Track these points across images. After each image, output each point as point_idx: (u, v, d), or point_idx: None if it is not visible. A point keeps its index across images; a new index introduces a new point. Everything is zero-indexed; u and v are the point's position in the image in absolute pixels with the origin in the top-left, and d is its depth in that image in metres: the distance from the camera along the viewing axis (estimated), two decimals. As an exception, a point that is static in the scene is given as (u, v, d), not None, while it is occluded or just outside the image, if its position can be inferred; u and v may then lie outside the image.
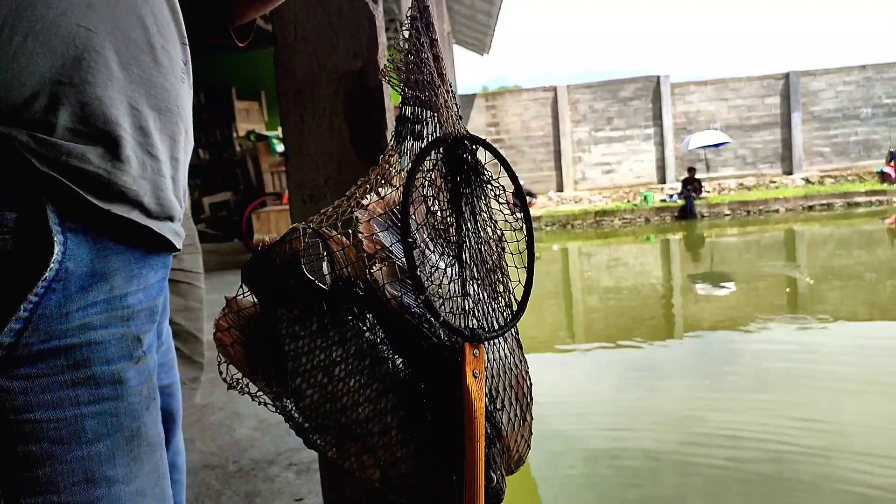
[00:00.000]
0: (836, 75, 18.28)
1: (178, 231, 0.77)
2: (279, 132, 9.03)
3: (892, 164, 17.45)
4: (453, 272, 0.78)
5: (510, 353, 0.81)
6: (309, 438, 0.79)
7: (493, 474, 0.77)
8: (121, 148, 0.65)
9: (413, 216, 0.76)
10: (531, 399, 0.83)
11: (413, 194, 0.75)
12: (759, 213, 16.53)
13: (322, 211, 0.80)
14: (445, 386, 0.74)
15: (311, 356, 0.76)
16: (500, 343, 0.81)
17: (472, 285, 0.78)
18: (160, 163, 0.71)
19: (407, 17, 0.85)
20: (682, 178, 17.55)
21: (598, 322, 7.93)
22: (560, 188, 18.65)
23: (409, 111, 0.82)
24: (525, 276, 0.81)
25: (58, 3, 0.61)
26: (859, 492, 3.45)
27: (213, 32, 0.97)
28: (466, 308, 0.76)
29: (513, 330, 0.83)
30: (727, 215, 16.58)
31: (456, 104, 0.84)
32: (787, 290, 9.00)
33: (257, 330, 0.78)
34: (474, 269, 0.79)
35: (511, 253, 0.83)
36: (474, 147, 0.79)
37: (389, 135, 1.63)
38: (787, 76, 18.22)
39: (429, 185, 0.79)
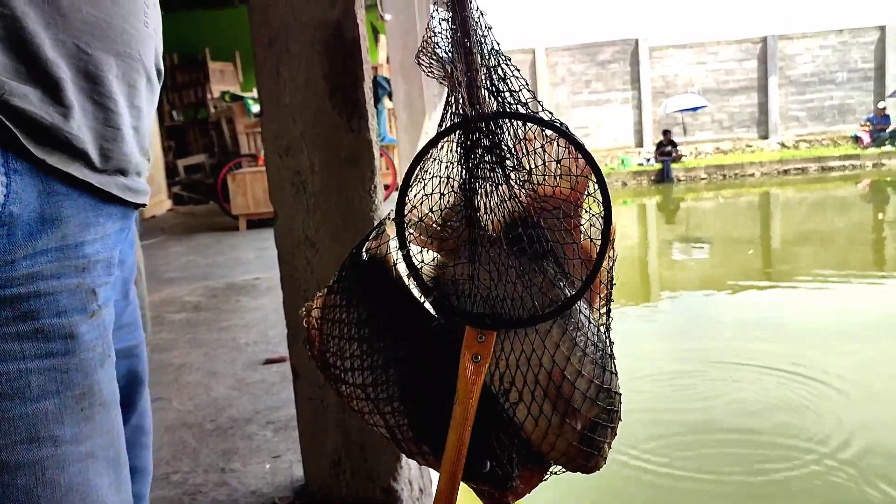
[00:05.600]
0: (813, 39, 18.32)
1: (129, 185, 0.71)
2: (254, 93, 8.87)
3: (866, 128, 17.60)
4: (467, 257, 0.76)
5: (553, 348, 0.74)
6: (335, 388, 0.84)
7: (487, 461, 0.78)
8: (62, 91, 0.61)
9: (411, 204, 0.78)
10: (587, 405, 0.76)
11: (427, 183, 0.77)
12: (734, 177, 16.64)
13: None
14: (446, 366, 0.75)
15: (336, 320, 0.82)
16: (537, 337, 0.75)
17: (496, 271, 0.74)
18: (112, 112, 0.67)
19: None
20: (657, 141, 17.56)
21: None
22: (538, 152, 18.60)
23: (447, 94, 0.79)
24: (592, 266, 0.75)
25: None
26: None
27: None
28: (473, 293, 0.75)
29: (584, 332, 0.76)
30: (703, 179, 16.67)
31: (498, 75, 0.77)
32: (751, 251, 9.12)
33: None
34: (499, 254, 0.75)
35: (565, 231, 0.76)
36: (500, 123, 0.74)
37: (367, 87, 1.60)
38: (764, 40, 18.24)
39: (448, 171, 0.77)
